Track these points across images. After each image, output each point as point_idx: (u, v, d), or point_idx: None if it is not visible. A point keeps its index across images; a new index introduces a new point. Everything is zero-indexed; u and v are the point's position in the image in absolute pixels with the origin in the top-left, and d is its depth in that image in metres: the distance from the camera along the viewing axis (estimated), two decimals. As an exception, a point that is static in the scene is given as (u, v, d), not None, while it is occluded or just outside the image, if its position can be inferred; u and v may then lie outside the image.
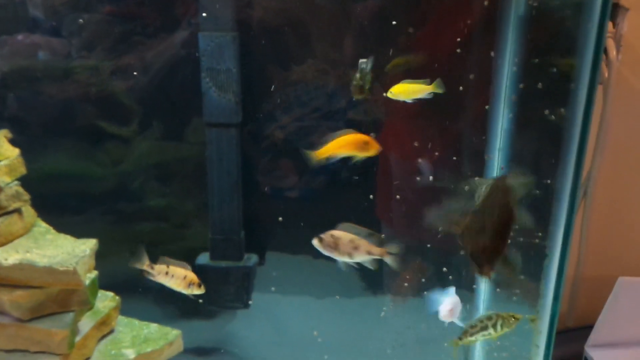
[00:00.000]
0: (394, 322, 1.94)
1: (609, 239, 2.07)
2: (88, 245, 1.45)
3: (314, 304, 2.02)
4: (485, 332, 1.42)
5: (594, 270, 2.08)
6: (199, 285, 1.44)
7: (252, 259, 1.89)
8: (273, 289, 1.95)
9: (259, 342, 2.04)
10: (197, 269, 1.87)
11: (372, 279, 1.95)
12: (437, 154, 1.79)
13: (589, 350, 1.91)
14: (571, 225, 1.22)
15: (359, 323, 2.01)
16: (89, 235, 1.50)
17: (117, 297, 1.64)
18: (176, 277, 1.42)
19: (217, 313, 2.02)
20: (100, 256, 1.54)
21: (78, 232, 1.53)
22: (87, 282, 1.50)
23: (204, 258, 1.88)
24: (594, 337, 1.91)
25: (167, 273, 1.42)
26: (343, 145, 1.33)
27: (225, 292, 1.90)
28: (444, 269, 1.84)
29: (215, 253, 1.86)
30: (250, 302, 1.96)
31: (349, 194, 1.84)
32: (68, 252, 1.40)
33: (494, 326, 1.42)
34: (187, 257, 1.90)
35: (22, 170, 1.46)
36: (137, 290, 1.97)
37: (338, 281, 2.00)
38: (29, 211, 1.51)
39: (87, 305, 1.47)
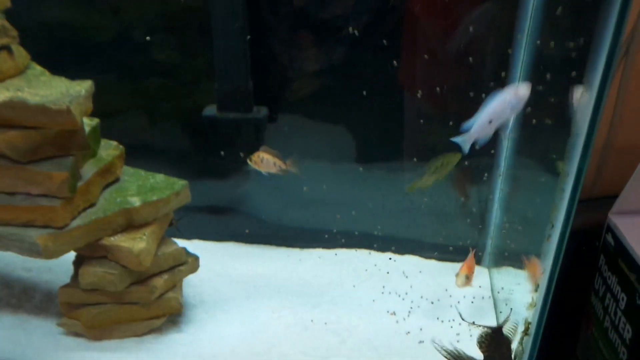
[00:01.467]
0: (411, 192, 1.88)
1: (649, 103, 1.91)
2: (83, 87, 1.36)
3: (328, 168, 1.95)
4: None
5: (628, 137, 1.95)
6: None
7: (262, 111, 1.79)
8: (286, 147, 1.87)
9: (271, 203, 2.00)
10: (204, 121, 1.80)
11: (392, 149, 1.87)
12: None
13: (613, 217, 1.83)
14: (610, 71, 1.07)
15: (374, 191, 1.94)
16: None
17: (121, 146, 1.59)
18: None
19: (229, 173, 1.96)
20: (106, 114, 1.49)
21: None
22: (88, 129, 1.45)
23: (211, 110, 1.78)
24: (619, 203, 1.83)
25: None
26: None
27: (235, 145, 1.83)
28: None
29: (222, 104, 1.76)
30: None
31: (370, 61, 1.72)
32: (62, 92, 1.32)
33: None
34: (195, 114, 1.83)
35: (6, 2, 1.34)
36: (147, 149, 1.91)
37: (355, 147, 1.92)
38: (20, 51, 1.42)
39: (87, 149, 1.41)
